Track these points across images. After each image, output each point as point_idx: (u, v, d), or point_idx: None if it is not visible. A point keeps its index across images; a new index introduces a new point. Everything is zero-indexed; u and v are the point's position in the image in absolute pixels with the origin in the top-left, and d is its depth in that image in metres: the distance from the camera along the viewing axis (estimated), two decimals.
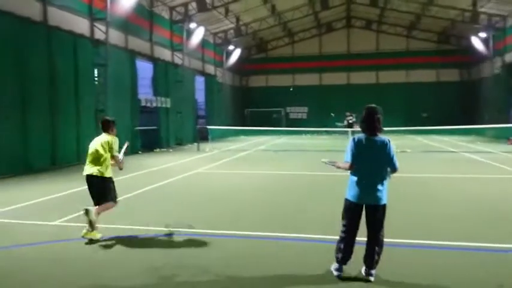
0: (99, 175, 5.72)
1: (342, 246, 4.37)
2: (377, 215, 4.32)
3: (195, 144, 22.02)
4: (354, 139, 4.39)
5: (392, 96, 34.91)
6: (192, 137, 25.73)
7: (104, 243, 5.62)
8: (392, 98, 34.06)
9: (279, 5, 29.29)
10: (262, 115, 37.24)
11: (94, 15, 17.05)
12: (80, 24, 16.27)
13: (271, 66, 39.69)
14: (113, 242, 5.68)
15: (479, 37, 29.53)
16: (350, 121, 25.01)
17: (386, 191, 4.36)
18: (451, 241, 5.50)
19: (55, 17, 14.82)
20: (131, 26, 19.99)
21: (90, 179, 5.79)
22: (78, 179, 11.26)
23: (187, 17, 24.60)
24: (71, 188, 9.65)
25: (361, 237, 4.44)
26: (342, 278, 4.31)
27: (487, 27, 28.38)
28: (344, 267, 4.41)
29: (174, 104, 24.00)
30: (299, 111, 39.90)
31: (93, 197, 5.86)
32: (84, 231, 5.63)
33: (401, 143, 20.45)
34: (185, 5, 24.29)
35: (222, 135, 29.07)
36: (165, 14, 23.83)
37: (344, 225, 4.42)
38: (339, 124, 25.91)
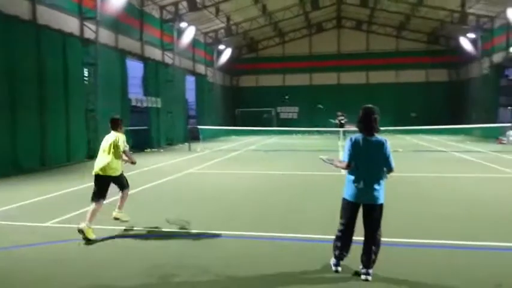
0: (113, 175, 6.15)
1: (339, 244, 4.45)
2: (374, 214, 4.35)
3: (186, 144, 21.91)
4: (351, 139, 4.41)
5: (382, 96, 35.07)
6: (182, 137, 25.62)
7: (101, 243, 5.58)
8: (382, 98, 34.11)
9: (270, 5, 29.30)
10: (252, 115, 37.21)
11: (84, 14, 16.87)
12: (69, 23, 16.08)
13: (262, 66, 39.72)
14: (110, 242, 5.64)
15: (467, 38, 29.90)
16: (342, 121, 25.13)
17: (384, 191, 4.39)
18: (445, 240, 5.55)
19: (44, 16, 14.62)
20: (121, 25, 19.82)
21: (99, 178, 6.11)
22: (68, 180, 11.21)
23: (177, 16, 24.49)
24: (62, 189, 9.53)
25: (359, 237, 4.47)
26: (339, 272, 4.42)
27: (476, 28, 28.75)
28: (342, 266, 4.45)
29: (165, 103, 23.88)
30: (290, 111, 40.00)
31: (102, 192, 6.13)
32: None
33: (392, 143, 20.14)
34: (175, 4, 24.17)
35: (213, 135, 29.01)
36: (156, 13, 23.68)
37: (342, 224, 4.46)
38: (332, 121, 26.08)
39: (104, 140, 6.32)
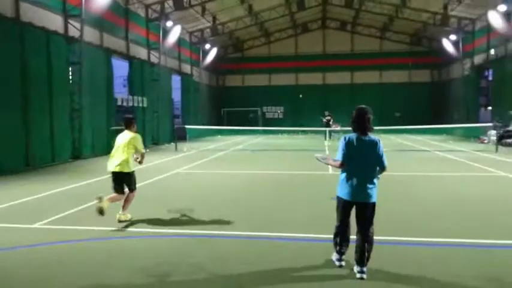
0: (126, 171, 6.46)
1: (338, 240, 4.62)
2: (366, 212, 4.43)
3: (172, 144, 21.78)
4: (345, 138, 4.48)
5: (367, 96, 35.32)
6: (168, 136, 25.46)
7: (98, 244, 5.58)
8: (366, 98, 34.24)
9: (256, 5, 29.34)
10: (238, 115, 37.22)
11: (68, 12, 16.61)
12: (53, 21, 15.81)
13: (248, 65, 39.77)
14: (106, 244, 5.62)
15: (449, 39, 30.51)
16: (329, 121, 25.65)
17: (376, 190, 4.46)
18: (434, 238, 5.68)
19: (28, 13, 14.35)
20: (106, 24, 19.58)
21: (117, 175, 6.48)
22: (54, 180, 11.03)
23: (163, 15, 24.33)
24: (48, 190, 9.37)
25: (352, 236, 4.56)
26: (342, 267, 4.58)
27: (457, 30, 29.37)
28: (340, 266, 4.61)
29: (151, 103, 23.70)
30: (275, 111, 40.15)
31: (122, 187, 6.55)
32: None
33: None
34: (161, 3, 24.01)
35: (199, 135, 28.88)
36: (141, 12, 23.47)
37: (340, 221, 4.60)
38: (322, 118, 26.57)
39: (119, 137, 6.60)
